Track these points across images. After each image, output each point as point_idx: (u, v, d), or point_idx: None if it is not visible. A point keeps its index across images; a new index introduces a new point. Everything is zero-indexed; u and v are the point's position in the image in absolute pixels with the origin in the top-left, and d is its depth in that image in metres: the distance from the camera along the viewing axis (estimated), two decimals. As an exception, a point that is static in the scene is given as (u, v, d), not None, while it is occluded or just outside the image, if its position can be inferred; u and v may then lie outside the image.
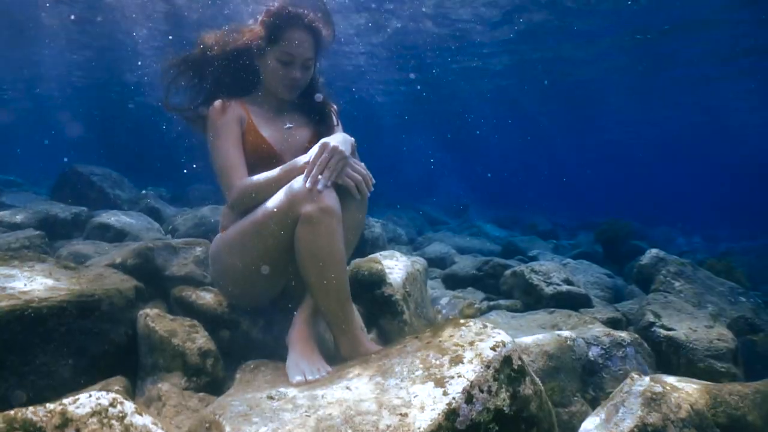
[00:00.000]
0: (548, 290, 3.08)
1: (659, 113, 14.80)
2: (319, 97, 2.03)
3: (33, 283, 1.73)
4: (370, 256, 2.82)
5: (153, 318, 1.72)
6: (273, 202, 1.62)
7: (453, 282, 3.75)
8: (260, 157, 1.86)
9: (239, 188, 1.73)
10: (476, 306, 2.91)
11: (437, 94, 12.79)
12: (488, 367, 1.22)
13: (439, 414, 1.11)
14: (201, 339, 1.64)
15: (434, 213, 9.16)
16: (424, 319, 2.69)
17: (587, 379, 2.10)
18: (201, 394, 1.51)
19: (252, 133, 1.87)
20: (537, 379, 1.36)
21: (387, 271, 2.61)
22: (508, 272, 3.42)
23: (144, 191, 6.66)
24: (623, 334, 2.20)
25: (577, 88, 11.61)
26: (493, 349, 1.27)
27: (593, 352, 2.14)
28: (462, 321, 1.43)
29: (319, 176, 1.56)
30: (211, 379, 1.58)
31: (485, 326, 1.40)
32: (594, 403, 2.05)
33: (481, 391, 1.19)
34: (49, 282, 1.79)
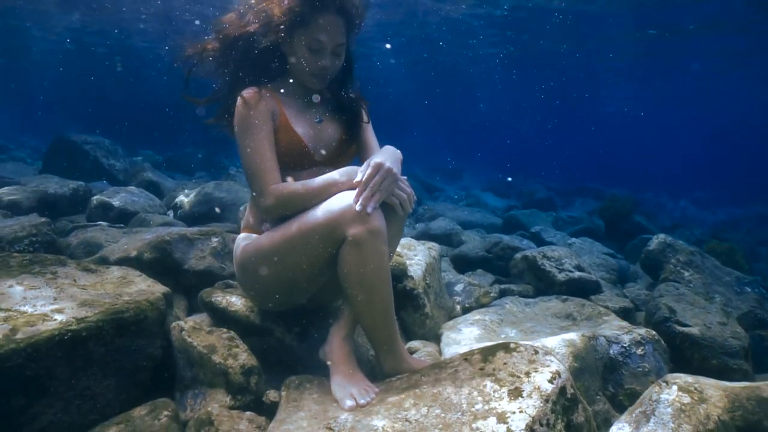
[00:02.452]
0: (560, 277, 3.13)
1: (653, 80, 14.72)
2: (353, 91, 1.94)
3: (63, 297, 1.69)
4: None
5: (189, 332, 1.70)
6: (315, 218, 1.57)
7: (462, 263, 3.78)
8: (293, 155, 1.78)
9: (275, 195, 1.66)
10: (491, 294, 2.94)
11: (427, 53, 12.46)
12: (547, 401, 1.25)
13: (505, 454, 1.13)
14: (243, 355, 1.63)
15: (428, 179, 9.13)
16: (443, 309, 2.72)
17: (607, 376, 2.17)
18: (248, 413, 1.51)
19: (286, 130, 1.77)
20: (587, 405, 1.39)
21: (407, 263, 2.61)
22: (518, 256, 3.45)
23: (138, 158, 6.49)
24: (642, 332, 2.26)
25: (570, 53, 11.43)
26: (550, 381, 1.29)
27: (614, 351, 2.20)
28: (513, 345, 1.45)
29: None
30: (255, 397, 1.58)
31: (536, 352, 1.41)
32: (613, 400, 2.13)
33: (541, 425, 1.21)
34: (78, 293, 1.74)
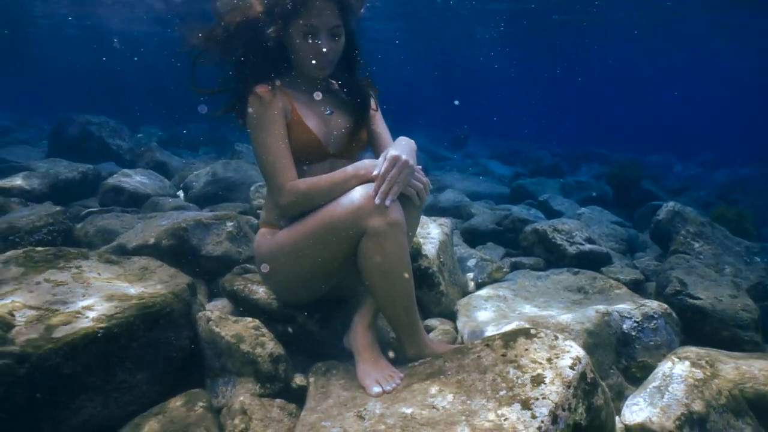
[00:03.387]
0: (571, 250, 3.16)
1: (656, 38, 14.34)
2: (361, 77, 1.92)
3: (91, 293, 1.73)
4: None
5: (216, 322, 1.75)
6: (335, 212, 1.59)
7: (472, 236, 3.81)
8: (306, 149, 1.79)
9: (292, 192, 1.68)
10: (504, 270, 2.98)
11: (429, 15, 12.14)
12: (569, 387, 1.29)
13: (531, 439, 1.19)
14: (270, 344, 1.68)
15: (432, 146, 9.07)
16: (457, 285, 2.77)
17: (620, 350, 2.23)
18: (279, 401, 1.58)
19: (298, 126, 1.78)
20: (605, 387, 1.44)
21: (421, 241, 2.64)
22: (529, 228, 3.47)
23: (139, 135, 6.46)
24: (654, 306, 2.31)
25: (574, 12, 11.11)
26: (571, 367, 1.33)
27: (627, 325, 2.25)
28: (533, 331, 1.49)
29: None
30: (284, 384, 1.64)
31: (556, 337, 1.46)
32: (626, 373, 2.20)
33: (564, 409, 1.26)
34: (105, 288, 1.78)
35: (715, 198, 5.95)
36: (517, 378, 1.34)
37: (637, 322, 2.25)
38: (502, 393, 1.31)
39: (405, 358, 1.69)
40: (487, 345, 1.51)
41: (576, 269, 2.97)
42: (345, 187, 1.62)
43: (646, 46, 16.02)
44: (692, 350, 2.02)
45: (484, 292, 2.68)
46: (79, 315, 1.57)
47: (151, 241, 2.51)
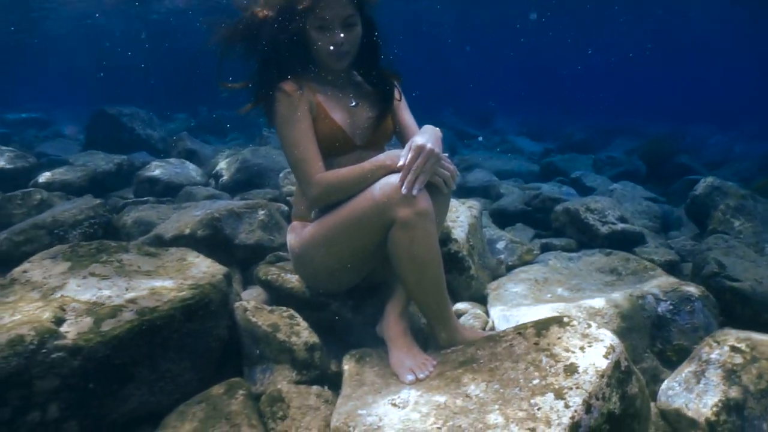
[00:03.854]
0: (604, 230, 3.11)
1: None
2: (383, 67, 1.92)
3: (133, 286, 1.80)
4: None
5: (253, 312, 1.81)
6: (363, 204, 1.61)
7: (501, 217, 3.78)
8: (333, 142, 1.81)
9: (321, 185, 1.70)
10: (534, 252, 2.96)
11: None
12: (602, 376, 1.30)
13: (565, 428, 1.20)
14: (305, 332, 1.73)
15: (458, 124, 8.95)
16: (487, 268, 2.76)
17: (655, 333, 2.20)
18: (315, 388, 1.63)
19: (324, 119, 1.79)
20: (640, 375, 1.44)
21: (450, 225, 2.64)
22: (560, 208, 3.43)
23: (170, 124, 6.57)
24: (690, 288, 2.26)
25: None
26: (605, 356, 1.33)
27: (662, 308, 2.22)
28: (566, 319, 1.49)
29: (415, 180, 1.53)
30: (320, 372, 1.69)
31: (590, 325, 1.45)
32: (661, 356, 2.17)
33: (597, 399, 1.27)
34: (145, 281, 1.85)
35: (757, 171, 5.71)
36: (550, 367, 1.35)
37: (672, 305, 2.22)
38: (534, 382, 1.33)
39: (437, 345, 1.71)
40: (520, 333, 1.52)
41: (608, 250, 2.93)
42: (372, 177, 1.63)
43: (683, 8, 15.25)
44: (731, 333, 1.97)
45: (514, 275, 2.67)
46: (124, 308, 1.64)
47: (187, 231, 2.59)
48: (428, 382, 1.47)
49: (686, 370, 1.77)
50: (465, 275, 2.53)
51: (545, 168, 5.42)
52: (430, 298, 1.64)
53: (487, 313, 2.42)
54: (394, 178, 1.57)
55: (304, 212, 1.94)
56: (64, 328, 1.54)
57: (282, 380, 1.67)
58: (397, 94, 1.93)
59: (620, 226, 3.11)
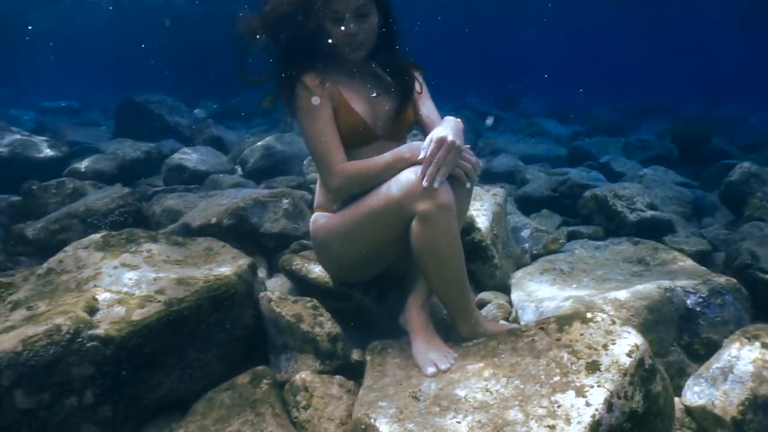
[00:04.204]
0: (632, 217, 3.04)
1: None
2: (402, 58, 1.90)
3: (162, 277, 1.86)
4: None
5: (277, 302, 1.84)
6: (384, 196, 1.61)
7: (527, 203, 3.74)
8: (354, 133, 1.82)
9: (342, 175, 1.71)
10: (560, 241, 2.92)
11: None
12: (625, 374, 1.28)
13: (585, 427, 1.20)
14: (327, 323, 1.76)
15: (485, 106, 8.80)
16: (511, 257, 2.74)
17: (683, 326, 2.15)
18: (338, 378, 1.66)
19: (346, 110, 1.80)
20: (664, 373, 1.42)
21: (473, 213, 2.63)
22: (588, 194, 3.36)
23: (195, 110, 6.67)
24: (721, 280, 2.20)
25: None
26: (628, 354, 1.32)
27: (691, 301, 2.16)
28: (589, 315, 1.47)
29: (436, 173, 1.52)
30: (342, 362, 1.72)
31: (613, 322, 1.43)
32: (688, 349, 2.12)
33: (619, 397, 1.26)
34: (174, 271, 1.90)
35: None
36: (572, 364, 1.34)
37: (702, 297, 2.16)
38: (555, 379, 1.32)
39: (459, 338, 1.72)
40: (542, 328, 1.51)
41: (636, 239, 2.86)
42: (393, 169, 1.63)
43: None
44: (763, 328, 1.91)
45: (539, 265, 2.65)
46: (152, 299, 1.69)
47: (213, 220, 2.65)
48: (449, 376, 1.48)
49: (714, 365, 1.73)
50: (488, 264, 2.52)
51: (573, 152, 5.30)
52: (452, 291, 1.64)
53: (510, 303, 2.41)
54: (415, 171, 1.57)
55: (326, 203, 1.95)
56: (97, 318, 1.60)
57: (306, 369, 1.71)
58: (418, 87, 1.92)
59: (649, 213, 3.04)
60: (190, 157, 3.98)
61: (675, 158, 5.04)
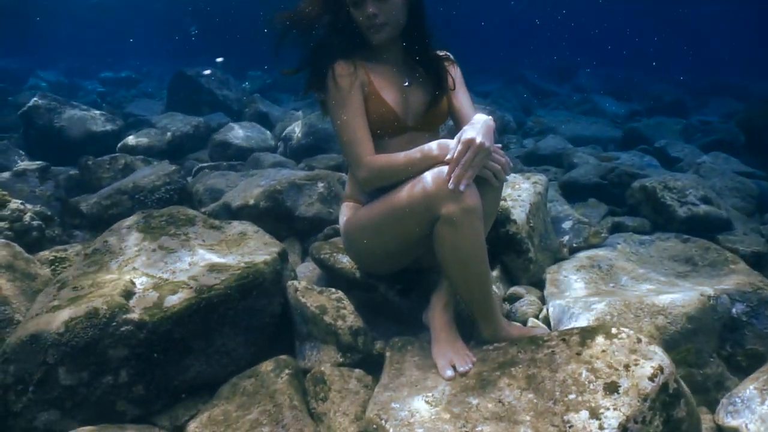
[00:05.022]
0: (682, 212, 2.87)
1: None
2: (434, 49, 1.85)
3: (196, 261, 1.93)
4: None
5: (303, 292, 1.88)
6: (409, 196, 1.59)
7: (572, 190, 3.59)
8: (384, 124, 1.80)
9: (370, 168, 1.70)
10: (602, 234, 2.80)
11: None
12: (645, 399, 1.23)
13: (596, 450, 1.17)
14: (350, 317, 1.78)
15: (539, 81, 8.41)
16: (548, 250, 2.66)
17: (726, 335, 2.03)
18: (357, 372, 1.69)
19: (375, 100, 1.78)
20: (691, 398, 1.35)
21: (510, 204, 2.55)
22: (636, 185, 3.19)
23: (245, 84, 6.76)
24: (775, 289, 2.05)
25: None
26: (650, 378, 1.26)
27: (737, 309, 2.04)
28: (614, 330, 1.42)
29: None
30: (363, 356, 1.75)
31: (639, 340, 1.37)
32: (729, 360, 2.01)
33: (636, 422, 1.21)
34: (207, 257, 1.97)
35: None
36: (589, 383, 1.30)
37: (750, 306, 2.03)
38: (571, 396, 1.29)
39: (481, 339, 1.70)
40: (563, 339, 1.47)
41: (686, 236, 2.70)
42: (422, 165, 1.60)
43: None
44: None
45: (576, 260, 2.56)
46: (185, 285, 1.77)
47: (251, 202, 2.72)
48: (464, 381, 1.48)
49: (751, 386, 1.63)
50: (523, 258, 2.46)
51: (628, 134, 4.99)
52: (475, 294, 1.62)
53: (542, 298, 2.36)
54: (441, 171, 1.53)
55: (356, 193, 1.95)
56: (133, 302, 1.70)
57: (327, 360, 1.75)
58: (451, 81, 1.85)
59: (702, 208, 2.85)
60: (234, 132, 4.07)
61: (740, 144, 4.65)
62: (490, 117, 1.63)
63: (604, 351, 1.37)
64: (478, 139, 1.50)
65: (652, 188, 3.02)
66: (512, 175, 2.90)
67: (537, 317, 2.25)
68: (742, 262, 2.39)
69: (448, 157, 1.53)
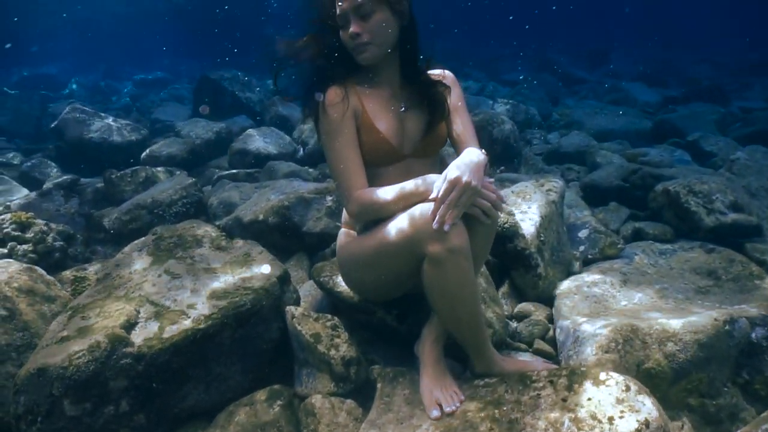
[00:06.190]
0: (708, 221, 2.71)
1: None
2: (430, 73, 1.80)
3: (197, 288, 1.98)
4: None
5: (299, 320, 1.90)
6: (395, 233, 1.56)
7: (593, 193, 3.46)
8: (378, 154, 1.76)
9: (358, 203, 1.68)
10: (619, 246, 2.69)
11: None
12: (628, 454, 1.18)
13: None
14: (343, 346, 1.79)
15: (568, 66, 8.07)
16: (560, 264, 2.58)
17: (742, 361, 1.92)
18: (348, 403, 1.70)
19: (369, 130, 1.73)
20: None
21: (519, 217, 2.49)
22: (659, 188, 3.04)
23: (269, 81, 6.80)
24: (800, 312, 1.92)
25: None
26: (634, 432, 1.21)
27: (757, 334, 1.92)
28: (602, 377, 1.36)
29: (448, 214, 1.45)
30: (354, 386, 1.75)
31: (628, 388, 1.32)
32: (746, 389, 1.90)
33: (618, 477, 1.17)
34: (209, 283, 2.01)
35: None
36: (571, 433, 1.26)
37: (771, 331, 1.91)
38: (551, 447, 1.25)
39: (473, 373, 1.68)
40: (551, 381, 1.43)
41: (711, 246, 2.56)
42: (409, 201, 1.57)
43: None
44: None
45: (589, 275, 2.47)
46: (183, 315, 1.82)
47: (261, 217, 2.76)
48: (449, 421, 1.46)
49: (763, 426, 1.54)
50: (531, 273, 2.40)
51: (658, 126, 4.73)
52: (464, 331, 1.59)
53: (551, 316, 2.30)
54: (427, 209, 1.49)
55: (350, 220, 1.95)
56: (135, 332, 1.76)
57: (322, 388, 1.76)
58: (449, 104, 1.79)
59: (730, 217, 2.69)
60: (253, 139, 4.12)
61: (785, 135, 4.33)
62: (482, 152, 1.57)
63: (590, 399, 1.32)
64: (464, 178, 1.45)
65: (676, 192, 2.87)
66: (525, 184, 2.82)
67: (543, 338, 2.19)
68: (768, 277, 2.25)
69: (433, 194, 1.49)
